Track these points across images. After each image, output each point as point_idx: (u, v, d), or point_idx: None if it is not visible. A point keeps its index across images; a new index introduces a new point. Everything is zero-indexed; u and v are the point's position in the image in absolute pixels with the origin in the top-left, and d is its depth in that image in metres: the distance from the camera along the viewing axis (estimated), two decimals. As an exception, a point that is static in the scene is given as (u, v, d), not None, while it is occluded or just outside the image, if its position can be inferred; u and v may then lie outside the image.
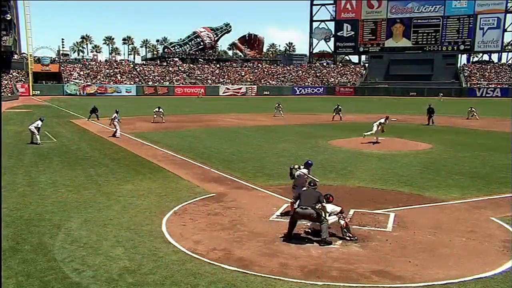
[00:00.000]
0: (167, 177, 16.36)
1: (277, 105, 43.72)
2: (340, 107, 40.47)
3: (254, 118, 40.76)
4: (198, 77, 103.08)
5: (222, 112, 47.66)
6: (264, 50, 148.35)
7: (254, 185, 15.23)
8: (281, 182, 15.31)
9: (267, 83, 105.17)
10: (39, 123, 24.54)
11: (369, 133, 25.28)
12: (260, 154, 21.33)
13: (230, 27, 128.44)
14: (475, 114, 41.64)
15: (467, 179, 16.48)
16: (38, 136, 24.26)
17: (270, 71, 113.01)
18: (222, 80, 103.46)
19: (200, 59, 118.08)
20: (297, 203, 10.33)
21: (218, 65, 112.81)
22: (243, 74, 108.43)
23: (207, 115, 43.75)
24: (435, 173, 17.47)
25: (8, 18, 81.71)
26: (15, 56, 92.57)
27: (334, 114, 39.76)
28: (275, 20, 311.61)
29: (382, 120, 25.34)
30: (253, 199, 13.55)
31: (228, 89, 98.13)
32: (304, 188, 10.87)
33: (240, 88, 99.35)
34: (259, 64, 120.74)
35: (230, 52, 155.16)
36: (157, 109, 36.75)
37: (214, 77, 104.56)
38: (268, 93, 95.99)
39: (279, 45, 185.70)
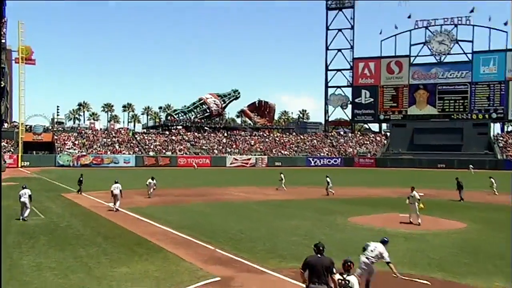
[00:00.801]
0: (166, 258, 16.03)
1: (280, 174, 43.93)
2: (328, 179, 39.82)
3: (265, 192, 40.60)
4: (204, 147, 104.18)
5: (229, 185, 47.60)
6: (276, 117, 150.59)
7: (265, 268, 14.83)
8: (295, 265, 14.87)
9: (279, 153, 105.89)
10: (27, 191, 24.55)
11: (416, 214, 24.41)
12: (272, 232, 21.00)
13: (238, 93, 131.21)
14: (493, 186, 40.96)
15: (509, 264, 15.92)
16: (28, 210, 24.24)
17: (282, 141, 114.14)
18: (229, 150, 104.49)
19: (206, 127, 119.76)
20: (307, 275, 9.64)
21: (225, 134, 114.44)
22: (252, 144, 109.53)
23: (212, 188, 43.72)
24: (471, 256, 16.95)
25: (2, 86, 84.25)
26: (5, 125, 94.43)
27: (327, 186, 39.22)
28: (287, 86, 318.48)
29: (412, 194, 24.76)
30: (263, 284, 13.13)
31: (236, 159, 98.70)
32: (319, 256, 9.97)
33: (249, 159, 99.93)
34: (270, 133, 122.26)
35: (238, 120, 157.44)
36: (150, 180, 36.39)
37: (221, 147, 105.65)
38: (280, 164, 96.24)
39: (292, 113, 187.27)
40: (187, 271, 14.36)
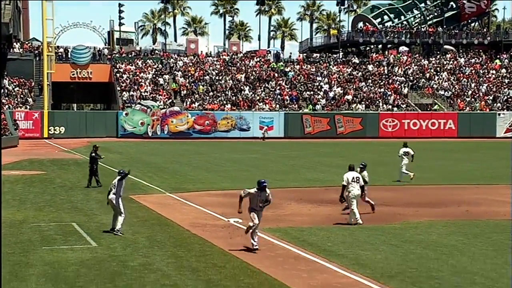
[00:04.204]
0: None
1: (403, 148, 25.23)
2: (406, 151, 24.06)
3: None
4: (442, 91, 57.93)
5: (497, 180, 24.95)
6: None
7: None
8: None
9: None
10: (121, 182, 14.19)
11: None
12: None
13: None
14: None
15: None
16: (123, 218, 14.18)
17: None
18: (502, 100, 56.85)
19: (446, 45, 65.23)
20: None
21: (494, 60, 61.64)
22: None
23: (460, 187, 23.77)
24: None
25: None
26: (16, 47, 54.68)
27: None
28: None
29: None
30: None
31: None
32: None
33: None
34: None
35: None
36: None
37: (481, 92, 58.09)
38: None
39: None
40: None
